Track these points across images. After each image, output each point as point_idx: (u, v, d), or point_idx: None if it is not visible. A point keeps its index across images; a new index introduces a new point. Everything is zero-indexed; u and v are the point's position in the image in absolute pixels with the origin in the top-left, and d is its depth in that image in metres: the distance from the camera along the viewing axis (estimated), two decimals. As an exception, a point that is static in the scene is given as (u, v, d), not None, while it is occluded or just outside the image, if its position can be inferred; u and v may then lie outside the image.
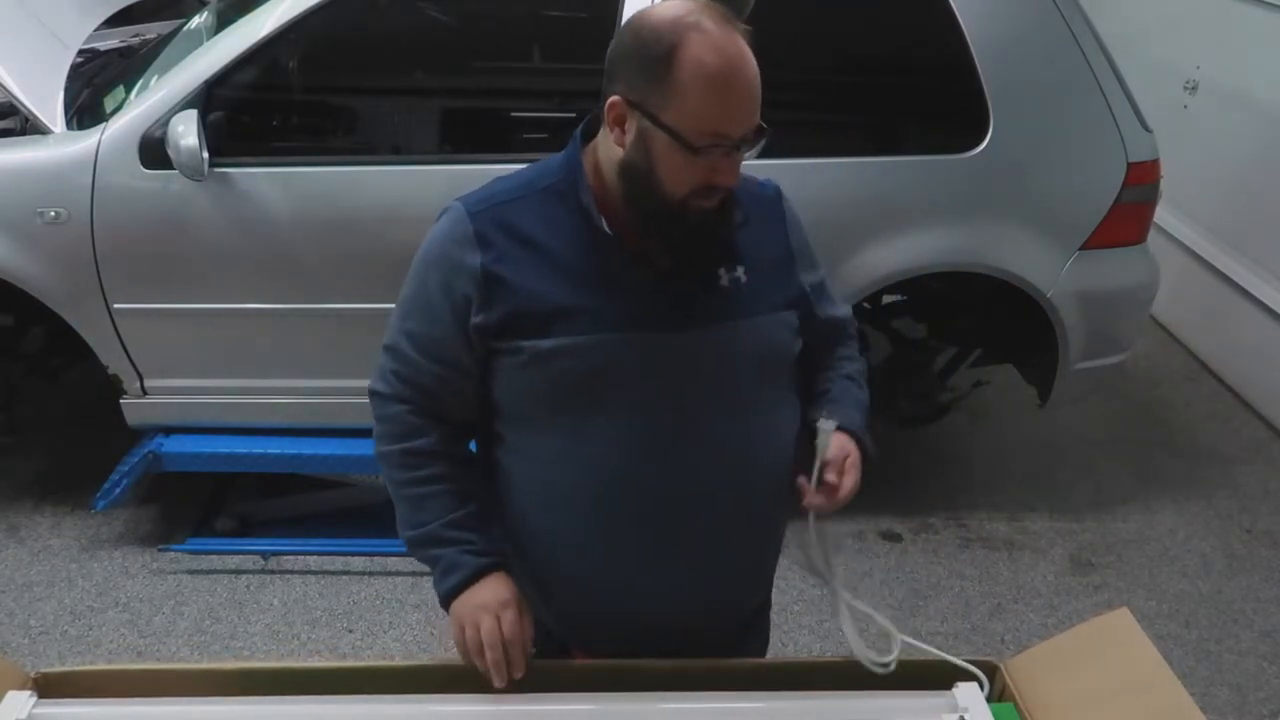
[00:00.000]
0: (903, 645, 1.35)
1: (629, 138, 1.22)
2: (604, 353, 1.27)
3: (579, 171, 1.29)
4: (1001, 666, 1.37)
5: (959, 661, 1.35)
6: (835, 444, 1.36)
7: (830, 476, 1.34)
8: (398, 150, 3.17)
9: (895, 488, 3.26)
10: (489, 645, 1.27)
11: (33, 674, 1.30)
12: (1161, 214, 3.57)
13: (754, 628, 1.56)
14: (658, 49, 1.16)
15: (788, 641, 2.72)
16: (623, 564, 1.35)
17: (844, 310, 1.53)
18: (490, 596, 1.30)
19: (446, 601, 1.33)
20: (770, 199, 1.42)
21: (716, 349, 1.31)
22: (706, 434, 1.31)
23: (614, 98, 1.21)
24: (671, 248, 1.26)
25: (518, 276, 1.26)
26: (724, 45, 1.16)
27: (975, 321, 3.13)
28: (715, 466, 1.32)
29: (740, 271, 1.32)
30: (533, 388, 1.31)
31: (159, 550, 2.98)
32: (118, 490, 2.85)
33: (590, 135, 1.31)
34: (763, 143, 1.22)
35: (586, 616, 1.41)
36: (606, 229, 1.27)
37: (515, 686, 1.31)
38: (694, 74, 1.15)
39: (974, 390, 3.33)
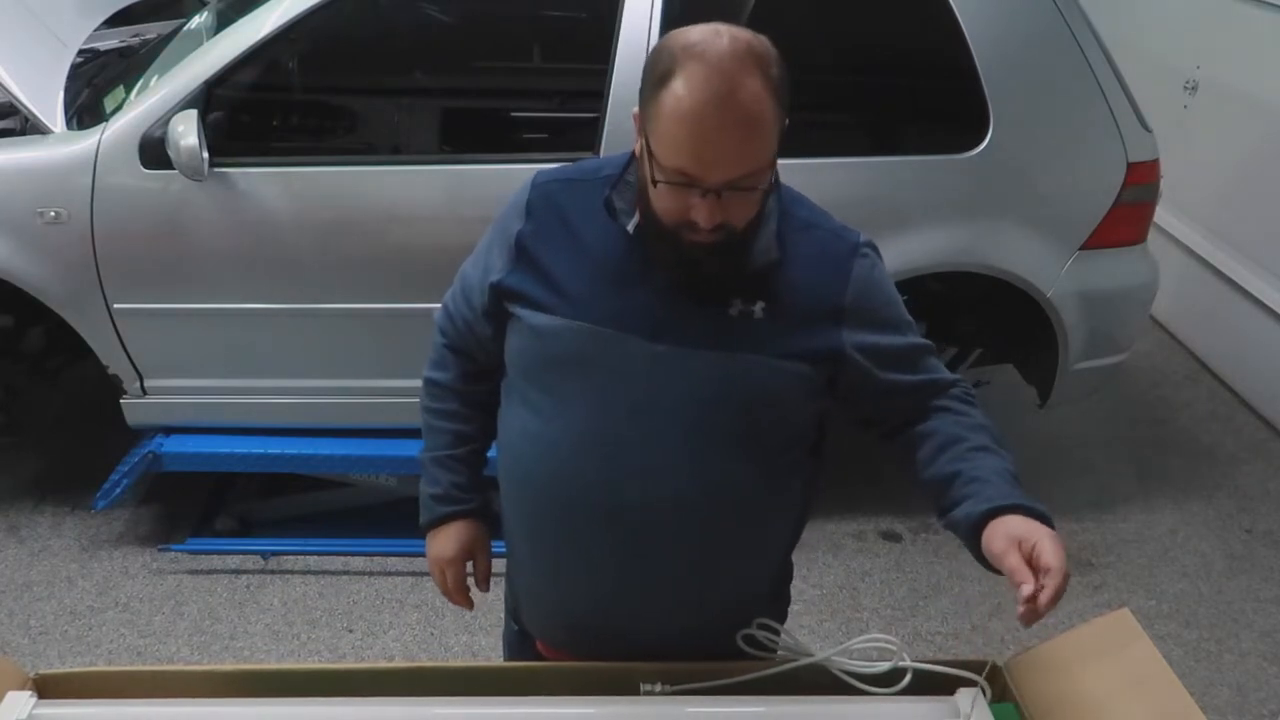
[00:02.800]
0: (900, 654, 1.34)
1: (637, 147, 1.22)
2: (578, 341, 1.28)
3: (630, 166, 1.29)
4: (1002, 667, 1.37)
5: (959, 672, 1.34)
6: (1008, 533, 1.21)
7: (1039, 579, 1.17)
8: (397, 150, 3.17)
9: (895, 488, 3.25)
10: (441, 591, 1.55)
11: (32, 674, 1.30)
12: (1161, 214, 3.57)
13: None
14: (659, 69, 1.14)
15: (788, 641, 2.72)
16: (553, 554, 1.40)
17: (940, 374, 1.40)
18: (438, 549, 1.52)
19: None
20: (841, 252, 1.31)
21: (695, 373, 1.26)
22: (655, 451, 1.28)
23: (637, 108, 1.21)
24: (666, 267, 1.25)
25: (541, 251, 1.31)
26: (715, 84, 1.10)
27: (975, 321, 3.13)
28: (657, 485, 1.29)
29: (758, 307, 1.26)
30: (521, 357, 1.35)
31: (159, 550, 2.98)
32: (118, 490, 2.85)
33: None
34: (762, 191, 1.18)
35: (526, 596, 1.50)
36: (629, 228, 1.27)
37: (514, 689, 1.31)
38: (673, 106, 1.11)
39: (974, 390, 3.33)
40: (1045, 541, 1.20)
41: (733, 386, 1.27)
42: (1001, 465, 1.32)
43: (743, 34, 1.15)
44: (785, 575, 1.55)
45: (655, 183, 1.16)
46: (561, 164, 1.41)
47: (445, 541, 1.52)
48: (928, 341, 1.39)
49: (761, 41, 1.15)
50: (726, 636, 1.37)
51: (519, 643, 1.58)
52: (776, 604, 1.52)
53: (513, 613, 1.59)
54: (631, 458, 1.29)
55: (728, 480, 1.31)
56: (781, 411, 1.31)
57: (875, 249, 1.35)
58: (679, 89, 1.11)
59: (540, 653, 1.52)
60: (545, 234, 1.32)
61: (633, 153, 1.28)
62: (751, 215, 1.21)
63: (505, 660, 1.65)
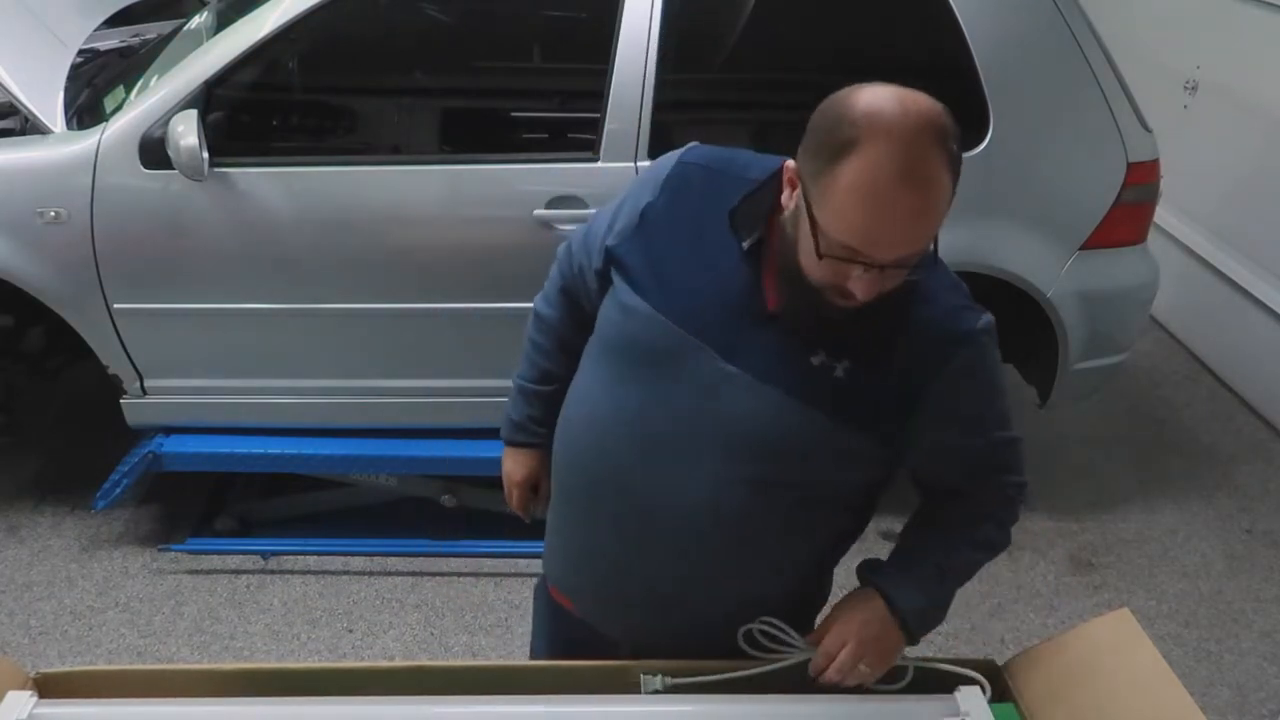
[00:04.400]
0: (903, 652, 1.35)
1: (792, 204, 1.18)
2: (656, 333, 1.28)
3: (767, 185, 1.26)
4: (1002, 667, 1.37)
5: (960, 670, 1.34)
6: (843, 604, 1.34)
7: (828, 642, 1.32)
8: (397, 150, 3.17)
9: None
10: (506, 501, 1.70)
11: (33, 674, 1.29)
12: (1161, 214, 3.57)
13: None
14: (837, 138, 1.07)
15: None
16: (573, 516, 1.46)
17: (995, 488, 1.37)
18: (509, 468, 1.66)
19: None
20: (949, 336, 1.23)
21: (755, 406, 1.24)
22: (692, 462, 1.28)
23: (793, 162, 1.16)
24: (791, 315, 1.22)
25: (660, 232, 1.31)
26: (903, 164, 1.04)
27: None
28: (680, 493, 1.30)
29: (842, 366, 1.22)
30: (604, 326, 1.37)
31: (159, 550, 2.98)
32: (118, 490, 2.85)
33: None
34: (920, 268, 1.14)
35: (548, 536, 1.57)
36: (744, 245, 1.24)
37: (514, 689, 1.31)
38: (854, 183, 1.05)
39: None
40: (836, 625, 1.33)
41: (788, 434, 1.25)
42: (940, 556, 1.37)
43: (926, 105, 1.09)
44: (804, 599, 1.52)
45: (820, 256, 1.11)
46: (715, 148, 1.36)
47: (515, 465, 1.66)
48: (1010, 438, 1.34)
49: (943, 113, 1.09)
50: (723, 644, 1.37)
51: (544, 591, 1.63)
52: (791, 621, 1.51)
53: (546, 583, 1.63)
54: (667, 460, 1.30)
55: (749, 513, 1.31)
56: (826, 472, 1.29)
57: (992, 335, 1.26)
58: (862, 166, 1.05)
59: (552, 598, 1.58)
60: (670, 216, 1.31)
61: (779, 164, 1.24)
62: (900, 282, 1.15)
63: (534, 612, 1.72)
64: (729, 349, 1.24)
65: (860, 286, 1.12)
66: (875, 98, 1.08)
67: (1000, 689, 1.35)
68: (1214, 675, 2.70)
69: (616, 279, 1.34)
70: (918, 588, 1.34)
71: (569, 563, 1.51)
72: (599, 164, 2.66)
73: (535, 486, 1.67)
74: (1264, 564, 3.11)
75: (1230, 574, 3.06)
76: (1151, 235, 3.02)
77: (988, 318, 1.26)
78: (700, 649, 1.37)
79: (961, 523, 1.39)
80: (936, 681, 1.34)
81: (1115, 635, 1.31)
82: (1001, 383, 1.32)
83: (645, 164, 2.66)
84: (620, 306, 1.33)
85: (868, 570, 1.40)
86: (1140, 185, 2.85)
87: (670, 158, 1.36)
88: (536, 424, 1.60)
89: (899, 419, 1.25)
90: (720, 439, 1.27)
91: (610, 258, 1.35)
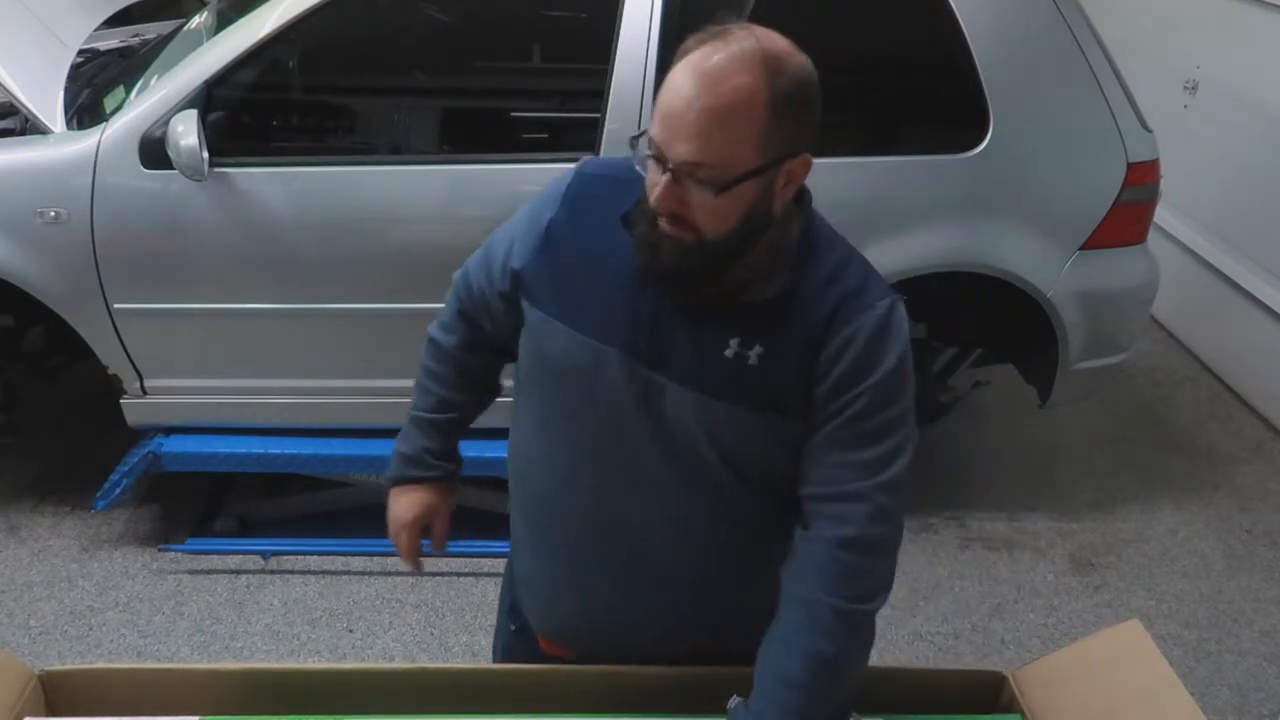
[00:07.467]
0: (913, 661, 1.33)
1: None
2: (574, 351, 1.25)
3: None
4: (1009, 677, 1.36)
5: (963, 665, 1.34)
6: None
7: None
8: (397, 150, 3.17)
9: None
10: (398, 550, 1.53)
11: (38, 672, 1.30)
12: (1161, 214, 3.57)
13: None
14: (681, 47, 1.13)
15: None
16: (551, 559, 1.40)
17: (858, 482, 1.20)
18: (398, 511, 1.51)
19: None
20: (848, 311, 1.19)
21: (681, 409, 1.22)
22: (644, 472, 1.27)
23: None
24: (636, 250, 1.20)
25: (565, 248, 1.28)
26: (710, 63, 1.08)
27: (975, 321, 3.13)
28: (645, 506, 1.29)
29: (754, 353, 1.20)
30: (526, 355, 1.35)
31: (159, 550, 2.98)
32: (118, 490, 2.85)
33: None
34: (732, 199, 1.11)
35: (529, 591, 1.49)
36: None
37: (517, 692, 1.30)
38: (668, 79, 1.11)
39: (974, 390, 3.33)
40: None
41: (716, 430, 1.23)
42: (787, 670, 1.20)
43: (772, 40, 1.12)
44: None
45: (632, 143, 1.17)
46: (611, 158, 1.36)
47: (405, 505, 1.51)
48: (894, 433, 1.21)
49: (783, 52, 1.11)
50: (733, 655, 1.32)
51: (517, 643, 1.56)
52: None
53: (511, 612, 1.58)
54: (620, 477, 1.28)
55: (715, 509, 1.29)
56: (766, 458, 1.26)
57: (895, 317, 1.21)
58: (679, 65, 1.10)
59: (543, 650, 1.50)
60: (574, 230, 1.28)
61: None
62: (723, 225, 1.14)
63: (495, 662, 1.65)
64: (646, 354, 1.22)
65: (657, 193, 1.13)
66: (719, 31, 1.12)
67: (1007, 699, 1.34)
68: (1214, 675, 2.70)
69: (527, 305, 1.31)
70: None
71: (562, 611, 1.43)
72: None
73: (428, 527, 1.53)
74: (1264, 564, 3.11)
75: (1230, 574, 3.06)
76: (1151, 235, 3.02)
77: (894, 299, 1.22)
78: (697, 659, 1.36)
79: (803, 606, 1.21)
80: (948, 688, 1.33)
81: (1124, 646, 1.30)
82: (897, 370, 1.20)
83: (645, 164, 2.66)
84: (534, 330, 1.30)
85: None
86: (1140, 185, 2.85)
87: (567, 172, 1.34)
88: (433, 456, 1.51)
89: (805, 392, 1.21)
90: (665, 445, 1.25)
91: (517, 281, 1.31)
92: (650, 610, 1.36)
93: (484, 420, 1.59)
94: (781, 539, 1.30)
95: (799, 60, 1.12)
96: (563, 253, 1.28)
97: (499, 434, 1.68)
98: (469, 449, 1.57)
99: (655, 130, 1.12)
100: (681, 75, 1.09)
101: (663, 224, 1.15)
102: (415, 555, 1.53)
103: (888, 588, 1.23)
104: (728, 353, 1.20)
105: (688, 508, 1.29)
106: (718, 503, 1.29)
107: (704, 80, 1.08)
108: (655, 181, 1.13)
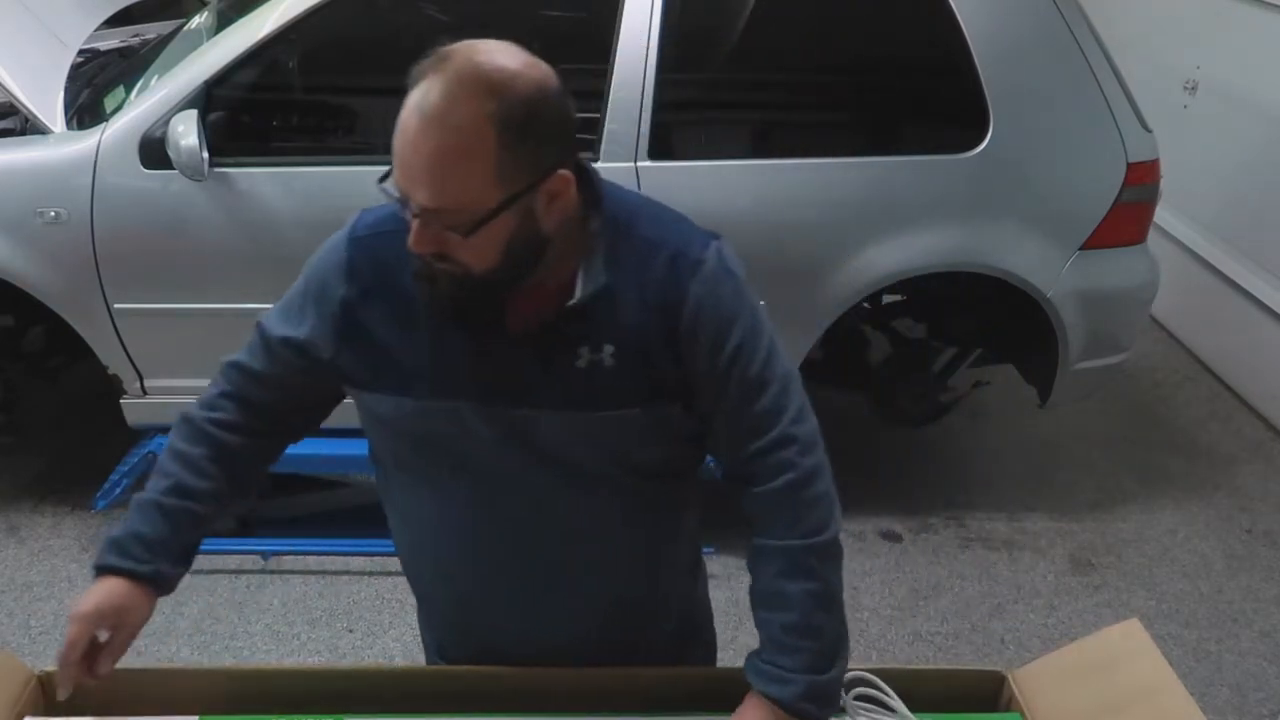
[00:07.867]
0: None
1: None
2: (429, 420, 1.19)
3: None
4: (1009, 677, 1.35)
5: (963, 665, 1.34)
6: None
7: None
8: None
9: (895, 488, 3.26)
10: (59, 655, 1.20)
11: (38, 672, 1.30)
12: (1161, 214, 3.57)
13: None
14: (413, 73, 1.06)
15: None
16: (467, 609, 1.38)
17: (771, 434, 1.20)
18: (84, 604, 1.21)
19: None
20: (682, 271, 1.16)
21: (558, 435, 1.19)
22: (543, 508, 1.24)
23: None
24: (433, 296, 1.14)
25: (372, 321, 1.20)
26: (423, 105, 1.01)
27: (975, 321, 3.13)
28: (541, 545, 1.27)
29: (607, 353, 1.15)
30: (376, 441, 1.31)
31: (159, 550, 2.97)
32: (118, 490, 2.85)
33: None
34: (476, 230, 1.05)
35: (449, 634, 1.51)
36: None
37: (515, 692, 1.31)
38: (399, 120, 1.04)
39: (974, 390, 3.34)
40: None
41: (601, 441, 1.20)
42: (787, 618, 1.21)
43: (495, 59, 1.05)
44: (686, 610, 1.48)
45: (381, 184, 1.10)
46: (378, 209, 1.25)
47: (88, 595, 1.21)
48: (773, 372, 1.20)
49: (508, 73, 1.04)
50: (635, 651, 1.36)
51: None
52: (689, 644, 1.49)
53: (439, 653, 1.56)
54: (522, 516, 1.25)
55: (626, 512, 1.28)
56: (658, 446, 1.24)
57: (721, 257, 1.18)
58: (408, 99, 1.03)
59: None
60: (373, 300, 1.20)
61: None
62: (486, 260, 1.08)
63: None
64: (507, 394, 1.16)
65: (411, 238, 1.07)
66: (470, 41, 1.06)
67: (1006, 699, 1.34)
68: (1213, 675, 2.70)
69: (356, 392, 1.24)
70: (789, 670, 1.20)
71: (493, 644, 1.37)
72: (599, 164, 2.66)
73: (114, 629, 1.22)
74: (1264, 564, 3.11)
75: (1230, 574, 3.06)
76: (1151, 235, 3.02)
77: (715, 244, 1.19)
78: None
79: (776, 554, 1.22)
80: (949, 688, 1.32)
81: (1124, 646, 1.30)
82: (746, 305, 1.19)
83: (645, 164, 2.66)
84: (375, 417, 1.25)
85: (747, 673, 1.25)
86: (1140, 185, 2.85)
87: (338, 241, 1.27)
88: (144, 547, 1.25)
89: (673, 370, 1.18)
90: (555, 475, 1.22)
91: (335, 374, 1.24)
92: (578, 623, 1.35)
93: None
94: (692, 505, 1.37)
95: (527, 77, 1.05)
96: (375, 327, 1.19)
97: None
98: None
99: (395, 175, 1.06)
100: (407, 116, 1.03)
101: (429, 260, 1.10)
102: (77, 659, 1.18)
103: (837, 502, 1.24)
104: (580, 363, 1.15)
105: (599, 520, 1.27)
106: (626, 505, 1.27)
107: (425, 123, 1.01)
108: (410, 224, 1.08)
